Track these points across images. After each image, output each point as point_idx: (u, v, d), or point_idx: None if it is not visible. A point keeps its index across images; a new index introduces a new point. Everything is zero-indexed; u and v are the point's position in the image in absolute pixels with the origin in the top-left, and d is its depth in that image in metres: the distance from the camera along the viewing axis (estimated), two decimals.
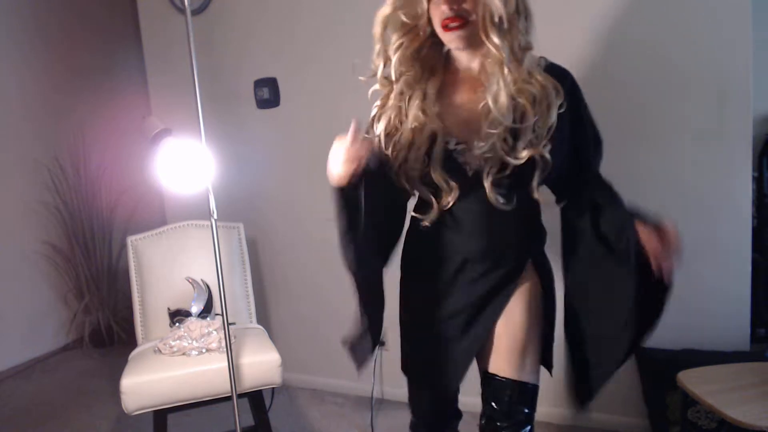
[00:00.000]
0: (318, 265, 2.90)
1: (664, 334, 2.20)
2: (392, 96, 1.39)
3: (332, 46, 2.67)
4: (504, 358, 1.41)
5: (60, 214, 3.72)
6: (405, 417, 2.66)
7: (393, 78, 1.38)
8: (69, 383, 3.30)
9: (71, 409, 2.96)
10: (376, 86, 1.44)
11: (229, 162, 2.73)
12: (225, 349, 1.90)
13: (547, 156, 1.29)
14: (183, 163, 1.90)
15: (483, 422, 1.46)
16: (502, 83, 1.26)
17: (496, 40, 1.25)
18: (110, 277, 3.86)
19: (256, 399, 2.10)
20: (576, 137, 1.39)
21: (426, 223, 1.39)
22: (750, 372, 1.81)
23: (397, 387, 2.81)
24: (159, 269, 2.40)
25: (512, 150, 1.28)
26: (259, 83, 2.82)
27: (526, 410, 1.41)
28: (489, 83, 1.29)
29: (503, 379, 1.41)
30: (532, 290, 1.44)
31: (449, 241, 1.41)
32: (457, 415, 1.63)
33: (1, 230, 3.53)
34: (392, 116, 1.38)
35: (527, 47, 1.30)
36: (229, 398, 1.89)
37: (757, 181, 2.81)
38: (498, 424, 1.40)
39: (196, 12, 2.88)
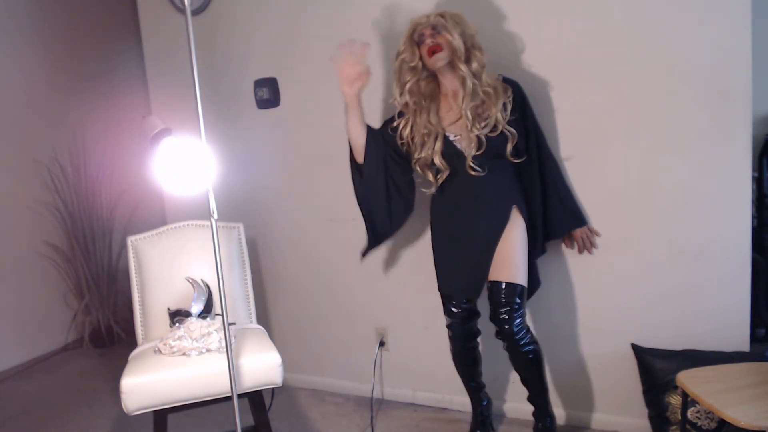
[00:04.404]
0: (318, 265, 2.90)
1: (664, 334, 2.21)
2: (408, 114, 2.16)
3: (332, 46, 2.67)
4: (501, 269, 2.10)
5: (60, 214, 3.73)
6: (405, 417, 2.67)
7: (407, 102, 2.15)
8: (69, 383, 3.30)
9: (71, 409, 2.96)
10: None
11: (229, 162, 2.74)
12: (225, 349, 1.90)
13: (513, 130, 2.07)
14: (183, 163, 1.90)
15: (491, 313, 2.12)
16: (463, 92, 2.07)
17: (461, 66, 2.04)
18: (110, 277, 3.87)
19: (256, 399, 2.10)
20: (526, 123, 2.15)
21: (433, 192, 2.21)
22: (750, 372, 1.80)
23: (397, 387, 2.82)
24: (159, 269, 2.39)
25: (480, 130, 2.05)
26: (259, 83, 2.82)
27: (518, 300, 2.08)
28: (460, 94, 2.08)
29: (501, 282, 2.09)
30: (520, 226, 2.15)
31: (451, 199, 2.20)
32: (477, 314, 2.27)
33: (1, 230, 3.53)
34: (410, 126, 2.16)
35: (483, 66, 2.07)
36: (229, 398, 1.89)
37: (757, 181, 2.82)
38: (500, 310, 2.08)
39: (196, 12, 2.88)
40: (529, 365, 2.16)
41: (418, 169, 2.20)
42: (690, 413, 2.01)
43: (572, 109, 2.26)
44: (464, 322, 2.23)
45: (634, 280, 2.25)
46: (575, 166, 2.28)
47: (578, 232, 2.25)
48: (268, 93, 2.82)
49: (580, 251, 2.28)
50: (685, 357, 2.10)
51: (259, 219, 2.94)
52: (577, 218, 2.24)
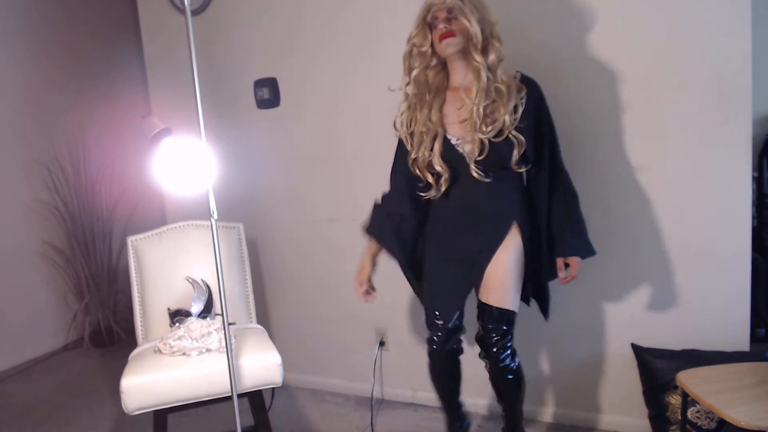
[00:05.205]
0: (318, 265, 2.90)
1: (664, 334, 2.21)
2: (410, 106, 1.97)
3: (332, 45, 2.67)
4: (492, 292, 1.95)
5: (60, 214, 3.72)
6: (405, 417, 2.67)
7: (411, 94, 1.96)
8: (69, 383, 3.30)
9: (71, 409, 2.96)
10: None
11: (229, 162, 2.74)
12: (225, 349, 1.90)
13: (520, 136, 1.84)
14: (183, 163, 1.90)
15: (478, 335, 2.00)
16: (477, 86, 1.83)
17: (477, 56, 1.82)
18: (110, 277, 3.87)
19: (256, 399, 2.10)
20: (538, 130, 1.93)
21: (432, 196, 1.97)
22: (750, 372, 1.81)
23: (397, 387, 2.82)
24: (159, 269, 2.39)
25: (486, 133, 1.84)
26: (259, 83, 2.83)
27: (505, 327, 1.95)
28: (472, 86, 1.85)
29: (492, 306, 1.94)
30: (516, 246, 1.95)
31: (447, 208, 1.99)
32: (461, 330, 2.09)
33: (1, 230, 3.53)
34: (409, 121, 1.98)
35: (500, 59, 1.85)
36: (229, 398, 1.89)
37: (757, 181, 2.81)
38: (489, 335, 1.95)
39: (196, 12, 2.88)
40: (509, 388, 2.04)
41: (415, 170, 1.97)
42: (690, 413, 2.01)
43: (571, 109, 2.26)
44: (446, 340, 2.05)
45: (635, 280, 2.25)
46: (575, 167, 2.28)
47: (576, 260, 1.94)
48: (268, 93, 2.82)
49: (568, 281, 1.98)
50: (685, 357, 2.10)
51: (259, 219, 2.94)
52: (584, 244, 1.96)
